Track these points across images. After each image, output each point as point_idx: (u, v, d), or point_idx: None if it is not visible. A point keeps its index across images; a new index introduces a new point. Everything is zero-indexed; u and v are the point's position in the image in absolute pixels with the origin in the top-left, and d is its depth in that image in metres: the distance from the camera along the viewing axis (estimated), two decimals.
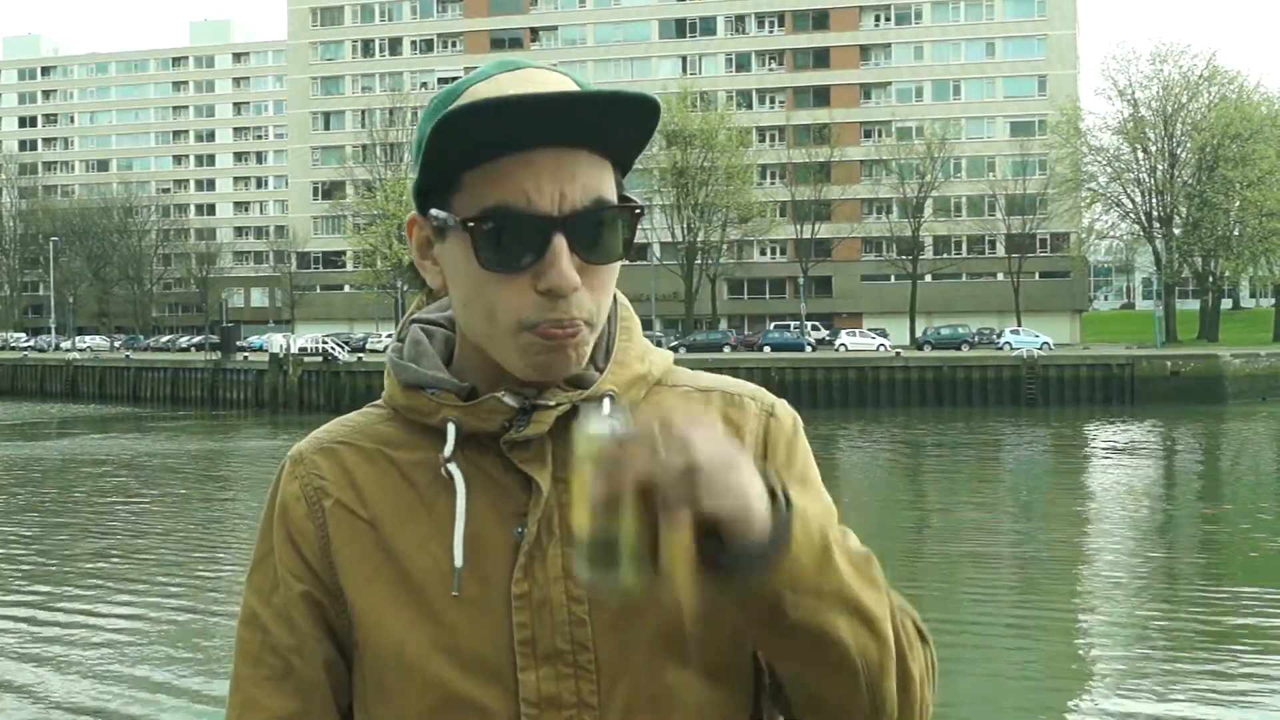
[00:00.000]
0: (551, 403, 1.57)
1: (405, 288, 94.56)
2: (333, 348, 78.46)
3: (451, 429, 1.57)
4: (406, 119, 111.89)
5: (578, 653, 1.54)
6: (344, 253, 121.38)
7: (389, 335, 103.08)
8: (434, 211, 1.54)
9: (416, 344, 1.66)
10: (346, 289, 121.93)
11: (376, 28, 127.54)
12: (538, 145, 1.48)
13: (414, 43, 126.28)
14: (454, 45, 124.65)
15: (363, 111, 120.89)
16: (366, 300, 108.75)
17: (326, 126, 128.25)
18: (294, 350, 78.63)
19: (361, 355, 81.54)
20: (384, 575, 1.57)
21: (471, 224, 1.49)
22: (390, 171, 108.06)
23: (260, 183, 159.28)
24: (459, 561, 1.54)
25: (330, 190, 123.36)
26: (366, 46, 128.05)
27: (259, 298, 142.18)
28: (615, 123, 1.51)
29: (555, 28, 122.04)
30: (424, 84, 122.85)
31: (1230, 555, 25.29)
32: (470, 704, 1.53)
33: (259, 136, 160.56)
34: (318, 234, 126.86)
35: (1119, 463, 43.52)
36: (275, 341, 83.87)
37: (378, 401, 1.70)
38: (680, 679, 1.57)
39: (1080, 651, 17.88)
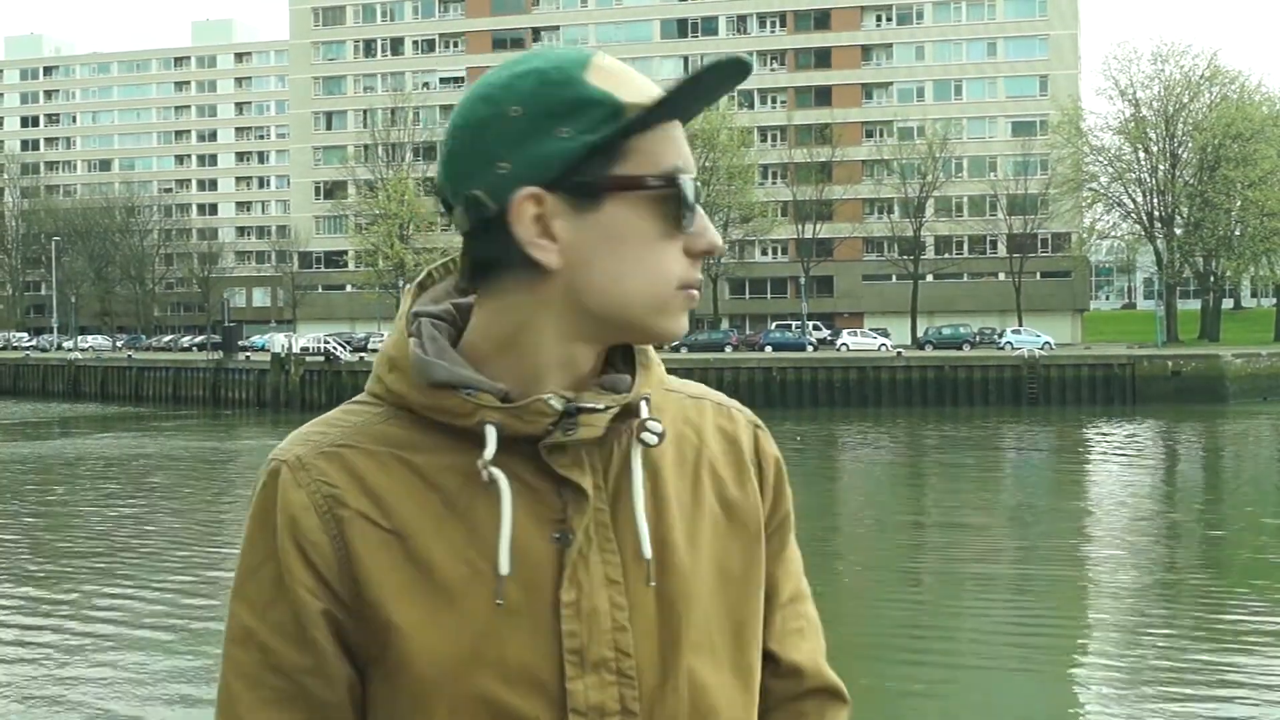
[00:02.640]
0: (601, 406, 1.55)
1: (407, 286, 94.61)
2: (335, 347, 78.45)
3: (492, 432, 1.50)
4: (408, 119, 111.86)
5: (620, 660, 1.53)
6: (346, 252, 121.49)
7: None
8: (616, 176, 1.52)
9: (434, 340, 1.57)
10: (348, 289, 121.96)
11: (378, 28, 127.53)
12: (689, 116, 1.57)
13: (416, 43, 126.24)
14: (455, 45, 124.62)
15: (364, 111, 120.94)
16: (368, 300, 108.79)
17: (328, 126, 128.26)
18: (296, 350, 78.64)
19: (363, 355, 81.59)
20: (417, 588, 1.50)
21: (661, 185, 1.52)
22: (392, 171, 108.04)
23: (262, 182, 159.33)
24: (505, 569, 1.49)
25: (332, 190, 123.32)
26: (368, 46, 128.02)
27: (261, 297, 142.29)
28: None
29: (557, 27, 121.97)
30: (425, 84, 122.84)
31: (1232, 562, 25.24)
32: (516, 716, 1.50)
33: (261, 136, 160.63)
34: (319, 234, 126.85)
35: (1120, 464, 43.52)
36: (277, 341, 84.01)
37: (360, 399, 1.61)
38: (715, 681, 1.60)
39: (1081, 662, 17.84)
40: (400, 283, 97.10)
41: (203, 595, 21.10)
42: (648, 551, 1.56)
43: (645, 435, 1.57)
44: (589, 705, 1.52)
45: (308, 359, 76.73)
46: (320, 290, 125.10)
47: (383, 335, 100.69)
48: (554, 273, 1.52)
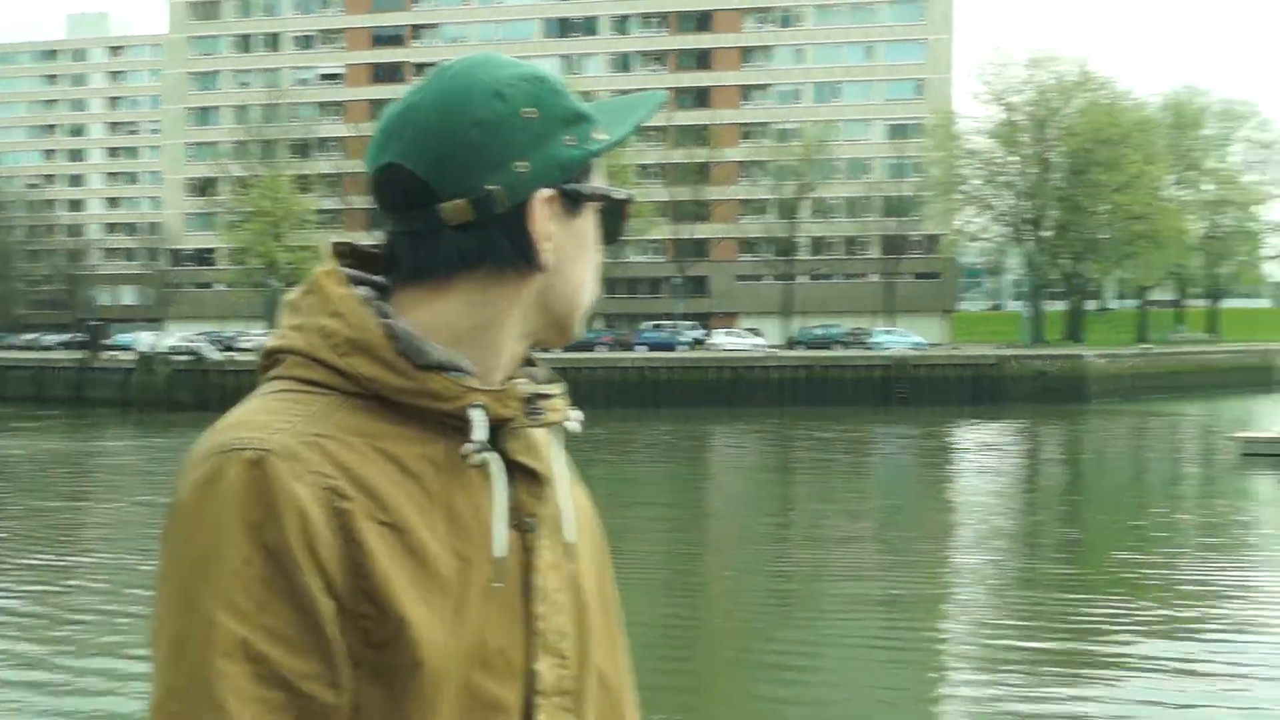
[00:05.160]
0: (555, 391, 1.61)
1: (281, 284, 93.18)
2: (203, 346, 77.12)
3: (480, 415, 1.50)
4: (284, 115, 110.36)
5: (559, 640, 1.58)
6: (217, 250, 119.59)
7: (260, 334, 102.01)
8: (603, 188, 1.62)
9: (403, 325, 1.54)
10: (219, 287, 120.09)
11: (255, 23, 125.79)
12: None
13: (293, 39, 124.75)
14: (334, 42, 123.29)
15: (240, 108, 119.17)
16: (239, 299, 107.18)
17: (203, 122, 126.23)
18: (163, 348, 77.13)
19: (233, 354, 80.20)
20: (421, 581, 1.45)
21: (623, 201, 1.63)
22: (267, 168, 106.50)
23: (133, 178, 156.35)
24: (502, 551, 1.51)
25: (205, 187, 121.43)
26: (245, 42, 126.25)
27: (130, 296, 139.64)
28: None
29: (437, 25, 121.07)
30: (303, 80, 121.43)
31: (1095, 567, 25.28)
32: (492, 702, 1.51)
33: (133, 132, 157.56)
34: (191, 231, 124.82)
35: (987, 465, 43.86)
36: (143, 339, 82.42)
37: (287, 387, 1.52)
38: (605, 655, 1.70)
39: (945, 670, 17.73)
40: (272, 281, 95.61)
41: (61, 598, 20.32)
42: (571, 535, 1.61)
43: (569, 424, 1.64)
44: (547, 686, 1.55)
45: (175, 358, 75.23)
46: (190, 288, 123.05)
47: (251, 334, 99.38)
48: (539, 273, 1.56)
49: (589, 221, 1.61)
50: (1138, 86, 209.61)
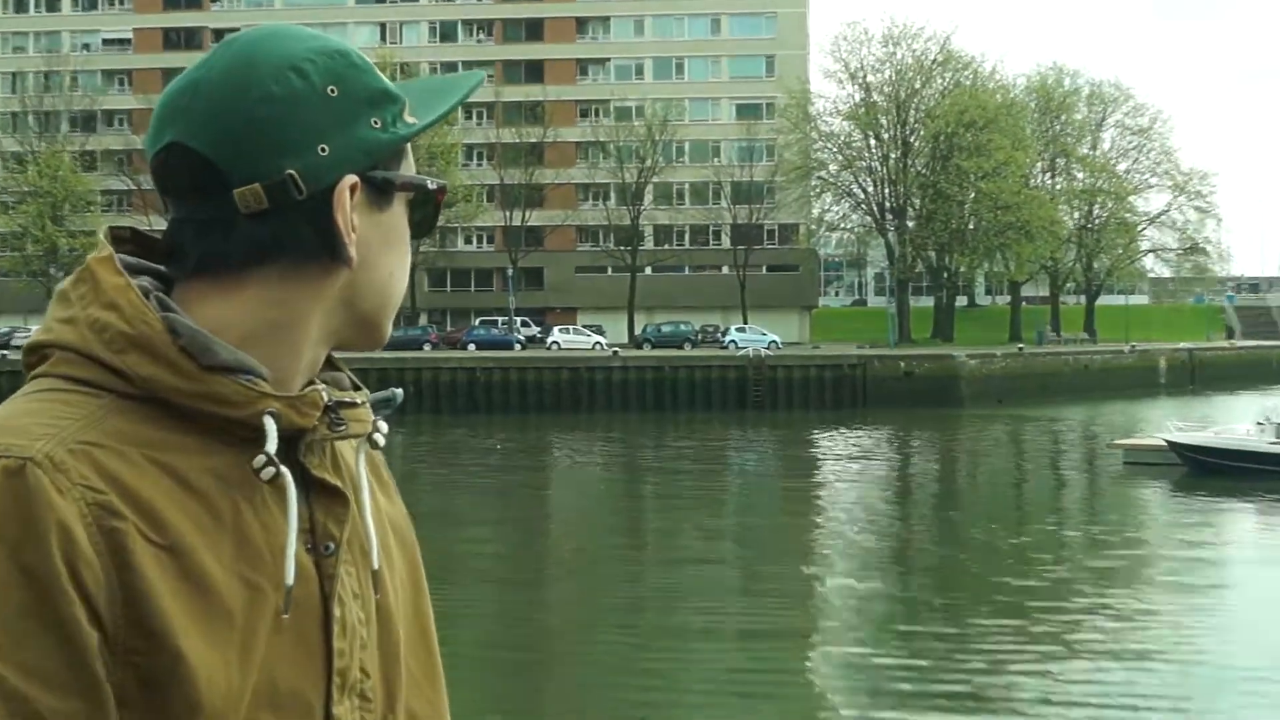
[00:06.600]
0: (359, 400, 1.57)
1: (61, 274, 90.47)
2: None
3: (272, 424, 1.44)
4: (65, 84, 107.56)
5: (363, 680, 1.54)
6: None
7: (37, 328, 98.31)
8: (413, 177, 1.58)
9: (185, 320, 1.47)
10: None
11: None
12: None
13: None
14: (120, 3, 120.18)
15: (14, 75, 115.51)
16: (18, 291, 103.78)
17: None
18: None
19: (7, 352, 77.82)
20: (198, 611, 1.39)
21: (435, 191, 1.60)
22: (45, 143, 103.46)
23: None
24: (290, 579, 1.44)
25: None
26: (19, 2, 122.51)
27: None
28: None
29: None
30: (85, 45, 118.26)
31: (969, 588, 25.33)
32: None
33: None
34: None
35: (849, 476, 43.91)
36: None
37: (59, 387, 1.45)
38: (430, 697, 1.69)
39: (805, 701, 17.40)
40: (52, 270, 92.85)
41: None
42: (377, 562, 1.56)
43: (375, 436, 1.59)
44: None
45: None
46: None
47: (28, 328, 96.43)
48: (344, 268, 1.52)
49: (398, 213, 1.57)
50: (1004, 66, 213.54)
